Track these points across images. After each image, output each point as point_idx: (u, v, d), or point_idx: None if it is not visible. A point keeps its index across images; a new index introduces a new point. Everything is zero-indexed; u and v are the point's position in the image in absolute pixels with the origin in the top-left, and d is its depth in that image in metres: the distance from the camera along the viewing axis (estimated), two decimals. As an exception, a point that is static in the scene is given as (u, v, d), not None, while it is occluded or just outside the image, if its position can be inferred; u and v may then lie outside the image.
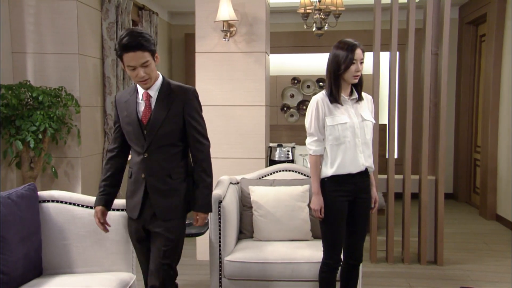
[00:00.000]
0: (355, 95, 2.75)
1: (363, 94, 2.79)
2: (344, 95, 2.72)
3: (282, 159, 4.54)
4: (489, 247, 4.75)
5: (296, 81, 7.38)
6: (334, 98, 2.69)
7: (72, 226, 2.75)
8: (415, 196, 4.30)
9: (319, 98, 2.74)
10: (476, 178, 6.62)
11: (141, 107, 2.42)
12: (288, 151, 4.59)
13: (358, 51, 2.62)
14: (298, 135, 7.20)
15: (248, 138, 4.26)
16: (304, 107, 7.35)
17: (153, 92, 2.41)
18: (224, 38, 4.14)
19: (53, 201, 2.80)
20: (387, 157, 4.60)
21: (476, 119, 6.64)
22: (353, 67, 2.63)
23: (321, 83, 7.32)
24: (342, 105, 2.71)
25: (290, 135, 7.23)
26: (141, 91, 2.42)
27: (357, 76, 2.67)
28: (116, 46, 2.31)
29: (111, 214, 2.74)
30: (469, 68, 6.75)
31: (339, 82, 2.68)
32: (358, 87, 2.75)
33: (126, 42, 2.25)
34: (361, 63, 2.65)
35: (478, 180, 6.44)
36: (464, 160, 6.88)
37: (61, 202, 2.79)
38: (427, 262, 4.24)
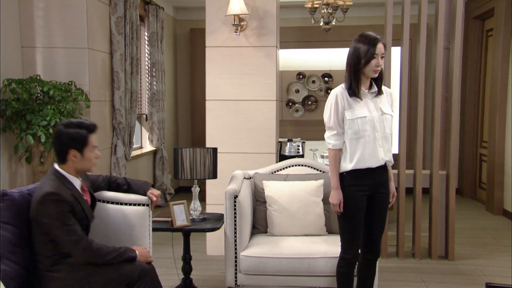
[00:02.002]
0: (375, 88, 2.73)
1: (383, 87, 2.77)
2: (363, 89, 2.70)
3: (292, 154, 4.52)
4: (498, 242, 4.76)
5: (301, 76, 7.37)
6: (353, 92, 2.67)
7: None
8: (424, 191, 4.30)
9: (338, 91, 2.71)
10: (482, 174, 6.62)
11: None
12: (299, 146, 4.58)
13: (380, 46, 2.59)
14: (304, 130, 7.19)
15: (258, 132, 4.24)
16: (310, 102, 7.34)
17: None
18: (235, 32, 4.11)
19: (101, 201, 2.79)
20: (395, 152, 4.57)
21: (482, 115, 6.63)
22: (373, 62, 2.61)
23: (326, 78, 7.30)
24: (361, 99, 2.69)
25: (295, 130, 7.22)
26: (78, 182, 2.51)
27: (377, 70, 2.65)
28: (77, 132, 2.41)
29: (129, 209, 2.74)
30: (475, 63, 6.73)
31: (359, 76, 2.65)
32: (378, 81, 2.72)
33: (91, 124, 2.47)
34: (382, 57, 2.63)
35: (484, 175, 6.44)
36: (469, 156, 6.88)
37: (104, 201, 2.79)
38: (438, 257, 4.24)
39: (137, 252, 2.50)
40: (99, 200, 2.78)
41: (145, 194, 2.80)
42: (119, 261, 2.43)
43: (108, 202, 2.78)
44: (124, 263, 2.44)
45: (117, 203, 2.78)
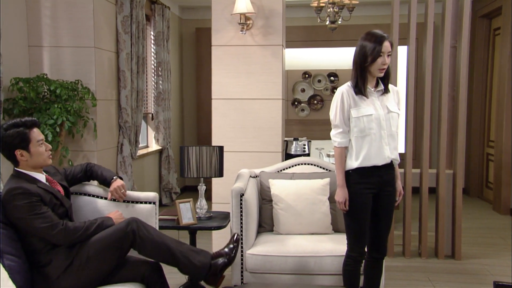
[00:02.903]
0: (381, 86, 2.72)
1: (390, 86, 2.76)
2: (369, 87, 2.69)
3: (298, 152, 4.52)
4: (506, 242, 4.73)
5: (307, 75, 7.36)
6: (359, 90, 2.67)
7: (96, 216, 2.74)
8: (431, 190, 4.28)
9: (344, 89, 2.71)
10: (489, 173, 6.59)
11: None
12: (304, 144, 4.58)
13: (386, 44, 2.58)
14: (310, 129, 7.18)
15: (264, 131, 4.24)
16: (315, 101, 7.32)
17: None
18: (241, 31, 4.11)
19: (80, 193, 2.83)
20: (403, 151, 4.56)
21: (489, 114, 6.60)
22: (379, 60, 2.60)
23: (332, 78, 7.29)
24: (367, 97, 2.68)
25: (301, 129, 7.22)
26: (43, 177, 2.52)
27: (383, 69, 2.64)
28: (16, 131, 2.39)
29: (135, 206, 2.75)
30: (481, 62, 6.70)
31: (365, 74, 2.65)
32: (384, 79, 2.72)
33: (29, 120, 2.44)
34: (389, 56, 2.62)
35: (491, 174, 6.40)
36: (476, 155, 6.84)
37: (86, 194, 2.81)
38: (444, 256, 4.22)
39: (112, 219, 2.57)
40: (107, 198, 2.79)
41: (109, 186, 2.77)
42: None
43: (115, 200, 2.79)
44: (110, 231, 2.47)
45: (123, 201, 2.79)
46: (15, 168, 2.47)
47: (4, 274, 2.20)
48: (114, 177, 2.75)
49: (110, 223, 2.54)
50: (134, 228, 2.46)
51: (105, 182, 2.78)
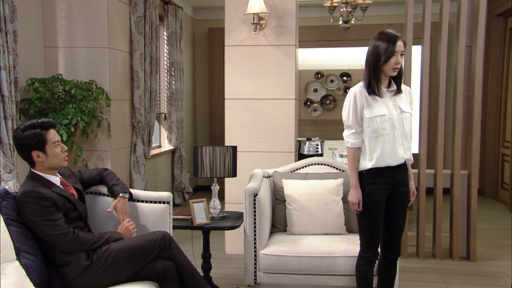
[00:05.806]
0: (394, 86, 2.71)
1: (402, 85, 2.74)
2: (382, 87, 2.68)
3: (311, 153, 4.51)
4: (521, 243, 4.67)
5: (319, 75, 7.33)
6: (372, 90, 2.65)
7: (110, 217, 2.76)
8: (445, 191, 4.24)
9: (357, 90, 2.69)
10: (504, 174, 6.51)
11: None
12: (317, 145, 4.56)
13: (400, 43, 2.57)
14: (322, 129, 7.16)
15: (277, 131, 4.24)
16: (328, 101, 7.30)
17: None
18: (254, 31, 4.11)
19: (94, 193, 2.84)
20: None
21: (504, 114, 6.52)
22: (393, 60, 2.58)
23: (344, 78, 7.26)
24: (381, 97, 2.66)
25: (313, 129, 7.20)
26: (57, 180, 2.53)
27: (396, 69, 2.63)
28: (33, 133, 2.41)
29: (149, 206, 2.76)
30: (497, 61, 6.63)
31: (378, 74, 2.63)
32: (397, 79, 2.70)
33: (45, 121, 2.46)
34: (402, 55, 2.60)
35: (507, 175, 6.33)
36: (491, 156, 6.77)
37: (102, 194, 2.83)
38: (459, 257, 4.18)
39: (121, 233, 2.58)
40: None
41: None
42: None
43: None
44: (141, 241, 2.51)
45: (137, 201, 2.81)
46: (31, 170, 2.49)
47: (22, 272, 2.23)
48: (121, 194, 2.72)
49: (118, 237, 2.55)
50: (166, 246, 2.51)
51: (112, 195, 2.77)
